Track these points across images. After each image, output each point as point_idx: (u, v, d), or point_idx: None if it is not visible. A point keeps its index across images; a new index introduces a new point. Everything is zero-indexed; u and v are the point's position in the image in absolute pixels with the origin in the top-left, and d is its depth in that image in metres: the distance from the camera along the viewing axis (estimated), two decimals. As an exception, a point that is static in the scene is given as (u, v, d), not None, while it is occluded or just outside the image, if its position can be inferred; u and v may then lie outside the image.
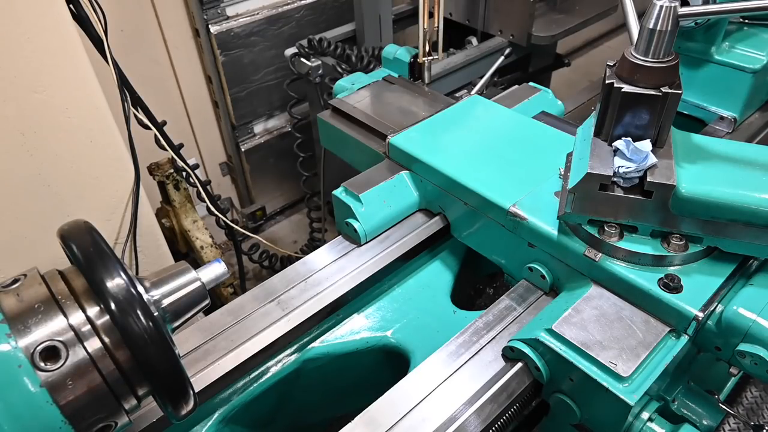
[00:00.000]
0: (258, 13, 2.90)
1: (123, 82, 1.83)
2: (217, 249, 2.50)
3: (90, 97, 1.63)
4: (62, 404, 0.77)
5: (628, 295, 1.23)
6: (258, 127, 3.26)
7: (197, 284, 0.94)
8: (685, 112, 1.89)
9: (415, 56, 2.11)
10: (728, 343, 1.14)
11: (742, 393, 1.79)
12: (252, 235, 2.62)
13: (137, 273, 1.96)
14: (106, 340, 0.81)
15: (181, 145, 2.18)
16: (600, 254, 1.25)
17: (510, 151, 1.55)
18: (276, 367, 1.41)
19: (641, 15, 1.20)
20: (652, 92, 1.14)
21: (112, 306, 0.79)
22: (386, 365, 1.48)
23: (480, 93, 2.12)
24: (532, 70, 3.01)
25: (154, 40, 2.75)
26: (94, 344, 0.81)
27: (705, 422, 1.24)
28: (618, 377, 1.09)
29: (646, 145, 1.18)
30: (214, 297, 1.69)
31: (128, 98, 1.86)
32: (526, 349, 1.22)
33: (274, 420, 1.53)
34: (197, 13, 2.72)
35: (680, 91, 1.14)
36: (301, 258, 1.56)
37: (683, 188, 1.13)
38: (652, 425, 1.16)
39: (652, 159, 1.15)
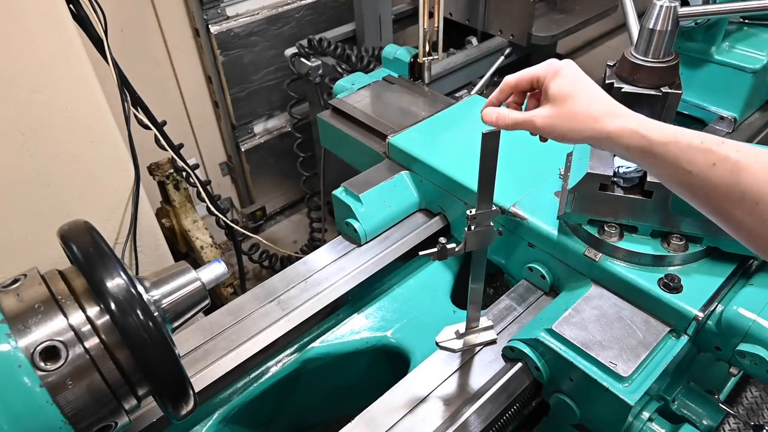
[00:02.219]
0: (258, 13, 2.89)
1: (123, 82, 1.83)
2: (217, 249, 2.50)
3: (90, 97, 1.63)
4: (62, 404, 0.77)
5: (628, 295, 1.23)
6: (258, 127, 3.26)
7: (197, 284, 0.94)
8: (685, 112, 1.89)
9: (415, 56, 2.10)
10: (728, 343, 1.14)
11: (742, 393, 1.79)
12: (252, 235, 2.62)
13: (137, 273, 1.96)
14: (106, 340, 0.81)
15: (181, 145, 2.18)
16: (600, 254, 1.25)
17: (510, 151, 1.54)
18: (276, 367, 1.41)
19: (641, 15, 1.20)
20: (652, 92, 1.14)
21: (112, 306, 0.79)
22: (386, 365, 1.48)
23: (480, 93, 2.12)
24: (532, 70, 3.01)
25: (154, 40, 2.75)
26: (94, 344, 0.81)
27: (705, 422, 1.24)
28: (618, 377, 1.09)
29: (646, 145, 1.18)
30: (214, 297, 1.69)
31: (128, 98, 1.86)
32: (526, 349, 1.22)
33: (274, 420, 1.53)
34: (197, 13, 2.72)
35: (680, 91, 1.15)
36: (301, 258, 1.56)
37: (683, 188, 1.13)
38: (652, 425, 1.16)
39: (652, 159, 1.15)
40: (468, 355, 1.30)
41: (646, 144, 0.81)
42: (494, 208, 1.05)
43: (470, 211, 1.05)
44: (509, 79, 0.97)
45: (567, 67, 0.92)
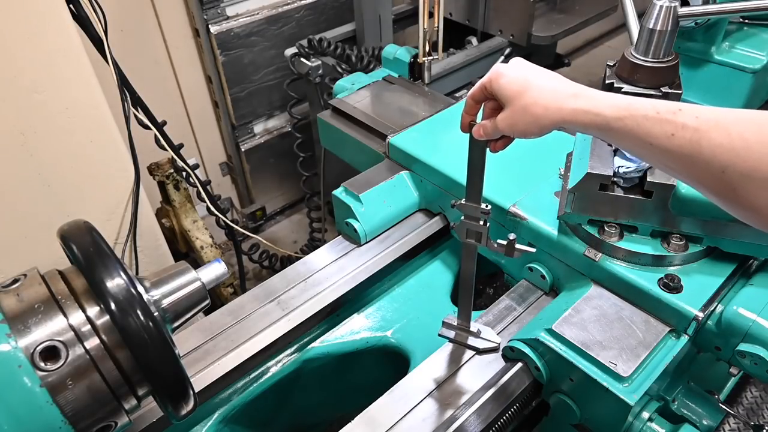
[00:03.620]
0: (258, 13, 2.89)
1: (123, 82, 1.83)
2: (217, 249, 2.50)
3: (90, 97, 1.63)
4: (62, 404, 0.77)
5: (628, 295, 1.23)
6: (258, 127, 3.26)
7: (197, 284, 0.94)
8: (685, 112, 1.89)
9: (415, 56, 2.10)
10: (728, 343, 1.14)
11: (742, 393, 1.79)
12: (252, 235, 2.62)
13: (137, 273, 1.96)
14: (106, 340, 0.81)
15: (181, 145, 2.18)
16: (600, 254, 1.25)
17: (510, 150, 1.54)
18: (276, 367, 1.41)
19: (641, 15, 1.20)
20: (652, 92, 1.14)
21: (112, 306, 0.79)
22: (386, 365, 1.48)
23: (480, 93, 2.11)
24: (532, 70, 3.00)
25: (154, 40, 2.75)
26: (94, 344, 0.81)
27: (705, 422, 1.24)
28: (618, 377, 1.09)
29: (646, 145, 1.18)
30: (214, 297, 1.69)
31: (128, 98, 1.86)
32: (526, 349, 1.22)
33: (274, 420, 1.53)
34: (197, 13, 2.72)
35: (680, 91, 1.15)
36: (301, 258, 1.56)
37: (683, 188, 1.13)
38: (652, 425, 1.16)
39: (652, 159, 1.15)
40: (468, 355, 1.30)
41: (601, 122, 0.81)
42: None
43: (485, 205, 1.08)
44: (468, 95, 1.02)
45: (510, 67, 0.92)
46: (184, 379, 0.86)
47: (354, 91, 2.06)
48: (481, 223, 1.11)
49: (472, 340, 1.30)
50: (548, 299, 1.40)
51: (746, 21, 1.87)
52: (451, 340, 1.31)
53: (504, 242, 1.08)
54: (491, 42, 2.70)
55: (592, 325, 1.18)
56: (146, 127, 1.99)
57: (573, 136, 1.00)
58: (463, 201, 1.10)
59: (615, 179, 1.19)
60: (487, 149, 1.05)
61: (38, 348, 0.77)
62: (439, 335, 1.31)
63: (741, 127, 0.71)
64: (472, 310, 1.50)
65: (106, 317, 0.81)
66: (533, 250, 1.11)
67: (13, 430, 0.74)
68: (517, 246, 1.09)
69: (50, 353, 0.78)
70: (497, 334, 1.33)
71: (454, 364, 1.29)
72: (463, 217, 1.13)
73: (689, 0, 1.63)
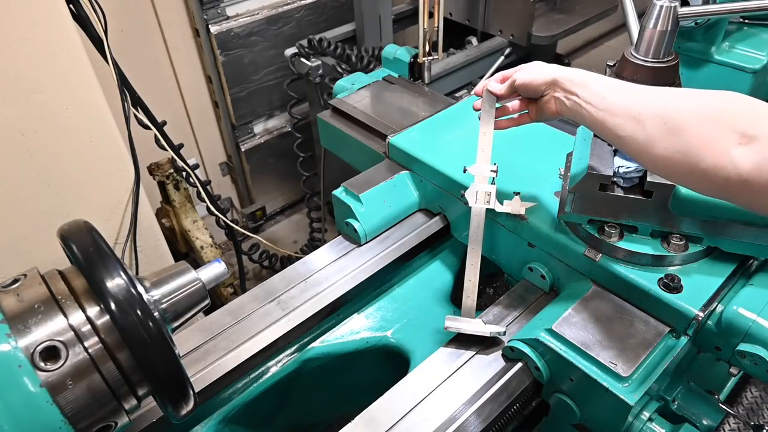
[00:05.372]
0: (258, 13, 2.89)
1: (123, 82, 1.83)
2: (217, 249, 2.50)
3: (90, 97, 1.63)
4: (62, 404, 0.77)
5: (628, 295, 1.23)
6: (258, 127, 3.26)
7: (197, 284, 0.94)
8: (685, 112, 1.88)
9: (415, 56, 2.10)
10: (728, 343, 1.14)
11: (742, 393, 1.79)
12: (252, 235, 2.62)
13: (137, 273, 1.96)
14: (106, 340, 0.81)
15: (181, 145, 2.18)
16: (600, 254, 1.25)
17: (510, 151, 1.55)
18: (276, 367, 1.41)
19: (641, 15, 1.20)
20: (652, 92, 1.14)
21: (112, 306, 0.79)
22: (386, 365, 1.48)
23: (480, 93, 2.11)
24: (532, 70, 3.00)
25: (154, 40, 2.75)
26: (94, 344, 0.81)
27: (705, 422, 1.25)
28: (618, 377, 1.09)
29: (646, 145, 1.18)
30: (214, 297, 1.69)
31: (128, 98, 1.86)
32: (526, 349, 1.22)
33: (274, 420, 1.53)
34: (197, 13, 2.72)
35: (680, 91, 1.14)
36: (301, 258, 1.56)
37: (683, 188, 1.13)
38: (652, 425, 1.16)
39: (652, 159, 1.15)
40: (468, 355, 1.30)
41: (584, 80, 1.06)
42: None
43: (494, 164, 1.27)
44: (501, 74, 1.26)
45: (534, 61, 1.22)
46: (184, 379, 0.86)
47: (354, 91, 2.06)
48: (490, 182, 1.27)
49: (479, 328, 1.30)
50: (548, 299, 1.40)
51: (746, 21, 1.87)
52: (456, 330, 1.32)
53: (510, 201, 1.30)
54: (491, 42, 2.70)
55: (592, 325, 1.18)
56: (146, 127, 1.99)
57: (563, 120, 1.16)
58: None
59: (615, 179, 1.19)
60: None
61: (38, 348, 0.77)
62: (446, 329, 1.31)
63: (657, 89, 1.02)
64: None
65: (106, 317, 0.81)
66: (535, 203, 1.33)
67: (13, 430, 0.74)
68: (522, 202, 1.31)
69: (50, 353, 0.78)
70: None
71: (454, 364, 1.29)
72: (474, 181, 1.28)
73: (689, 0, 1.63)
